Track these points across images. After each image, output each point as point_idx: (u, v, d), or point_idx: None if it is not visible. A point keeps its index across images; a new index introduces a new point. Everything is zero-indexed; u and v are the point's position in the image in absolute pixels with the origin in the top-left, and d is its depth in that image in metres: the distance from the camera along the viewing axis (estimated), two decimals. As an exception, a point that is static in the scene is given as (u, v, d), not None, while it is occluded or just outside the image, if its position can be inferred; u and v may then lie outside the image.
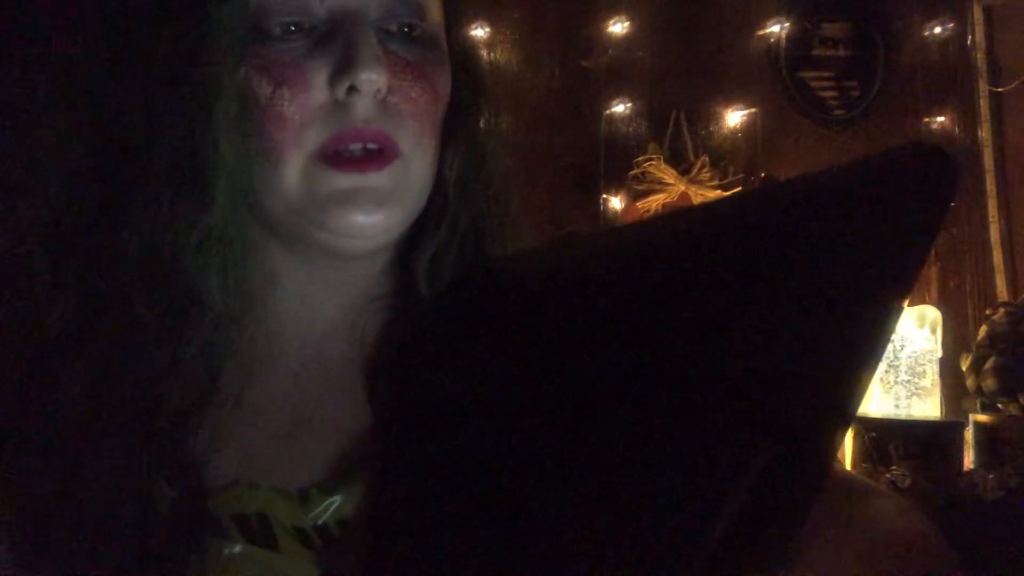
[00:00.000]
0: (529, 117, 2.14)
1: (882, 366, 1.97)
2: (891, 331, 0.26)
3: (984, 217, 2.25)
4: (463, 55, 0.62)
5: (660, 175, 2.18)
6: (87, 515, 0.49)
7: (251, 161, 0.53)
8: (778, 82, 2.31)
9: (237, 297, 0.54)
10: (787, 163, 2.29)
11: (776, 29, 2.29)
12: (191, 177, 0.52)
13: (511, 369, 0.15)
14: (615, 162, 2.24)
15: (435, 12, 0.58)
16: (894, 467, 1.84)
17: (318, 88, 0.53)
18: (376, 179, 0.54)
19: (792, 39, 2.30)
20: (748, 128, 2.29)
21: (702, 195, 2.17)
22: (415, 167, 0.56)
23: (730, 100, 2.28)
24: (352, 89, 0.53)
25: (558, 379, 0.15)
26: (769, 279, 0.21)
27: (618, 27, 2.24)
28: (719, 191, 2.21)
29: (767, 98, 2.30)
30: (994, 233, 2.24)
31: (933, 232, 0.26)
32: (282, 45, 0.53)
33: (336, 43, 0.53)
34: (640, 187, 2.20)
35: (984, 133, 2.28)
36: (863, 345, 0.25)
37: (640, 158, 2.20)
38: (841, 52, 2.33)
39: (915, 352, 1.98)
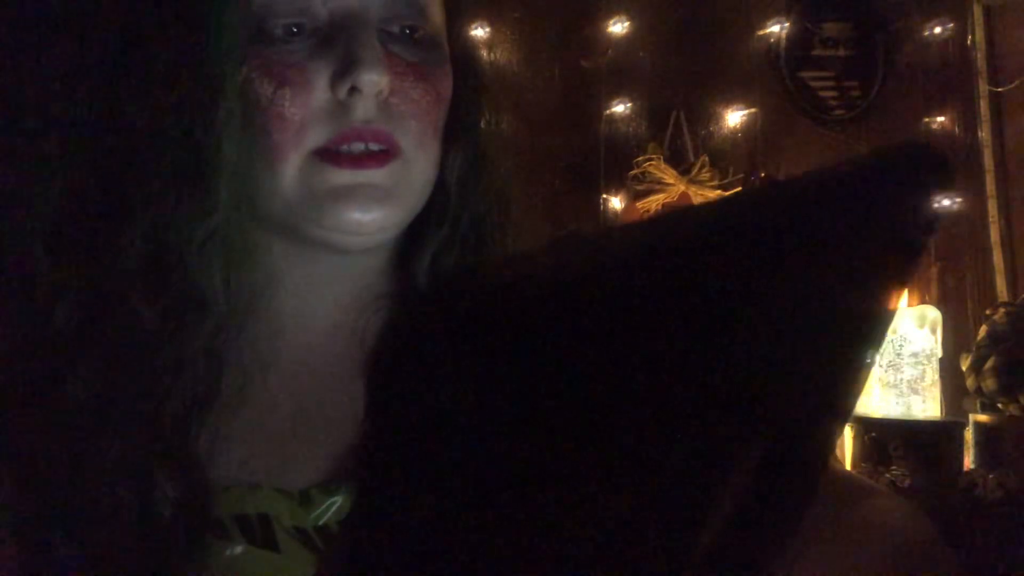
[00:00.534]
0: (529, 117, 2.14)
1: (882, 366, 1.97)
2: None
3: (984, 217, 2.25)
4: (464, 56, 0.62)
5: (660, 175, 2.18)
6: (89, 516, 0.49)
7: (253, 161, 0.53)
8: (778, 82, 2.31)
9: (239, 298, 0.55)
10: (787, 163, 2.29)
11: (776, 29, 2.29)
12: (193, 178, 0.52)
13: (495, 372, 0.15)
14: (615, 162, 2.24)
15: (437, 13, 0.58)
16: (894, 467, 1.84)
17: (320, 89, 0.53)
18: (375, 176, 0.54)
19: (792, 39, 2.30)
20: (748, 128, 2.29)
21: (702, 195, 2.17)
22: (416, 167, 0.56)
23: (730, 100, 2.28)
24: (354, 90, 0.53)
25: (546, 379, 0.15)
26: (763, 277, 0.21)
27: (618, 27, 2.24)
28: (719, 191, 2.20)
29: (767, 98, 2.30)
30: (994, 233, 2.24)
31: (927, 229, 0.26)
32: (284, 46, 0.53)
33: (338, 44, 0.53)
34: (640, 187, 2.20)
35: (984, 133, 2.28)
36: (858, 342, 0.25)
37: (640, 158, 2.20)
38: (841, 52, 2.33)
39: (915, 352, 1.98)
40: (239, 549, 0.51)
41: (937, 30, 2.31)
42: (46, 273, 0.52)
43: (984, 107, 2.28)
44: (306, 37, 0.54)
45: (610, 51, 2.26)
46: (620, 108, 2.25)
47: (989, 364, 1.91)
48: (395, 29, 0.56)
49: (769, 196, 0.26)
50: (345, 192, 0.54)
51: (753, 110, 2.28)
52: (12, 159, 0.54)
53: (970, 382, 1.97)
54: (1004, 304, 2.05)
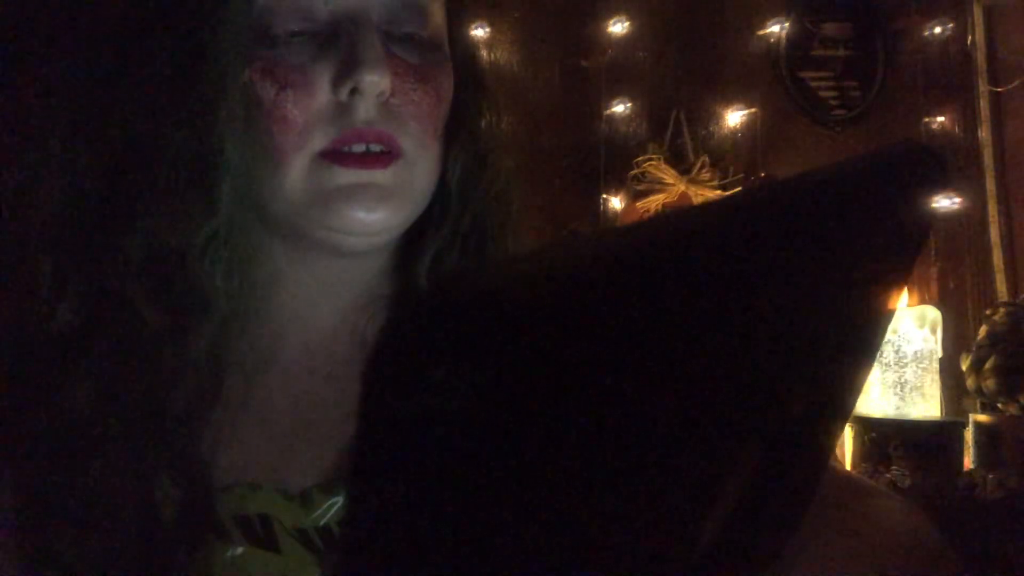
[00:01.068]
0: (529, 117, 2.14)
1: (882, 366, 1.97)
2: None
3: (984, 217, 2.25)
4: (465, 57, 0.62)
5: (660, 175, 2.18)
6: (92, 517, 0.49)
7: (255, 163, 0.53)
8: (778, 82, 2.31)
9: (241, 299, 0.55)
10: (787, 163, 2.29)
11: (776, 29, 2.29)
12: (196, 180, 0.52)
13: (494, 372, 0.15)
14: (615, 162, 2.24)
15: (437, 15, 0.59)
16: (894, 467, 1.84)
17: (322, 90, 0.53)
18: (379, 176, 0.54)
19: (792, 39, 2.30)
20: (748, 128, 2.29)
21: (702, 195, 2.17)
22: (418, 168, 0.56)
23: (730, 100, 2.28)
24: (355, 91, 0.53)
25: (546, 380, 0.15)
26: (763, 277, 0.21)
27: (618, 27, 2.24)
28: (719, 191, 2.20)
29: (767, 98, 2.30)
30: (994, 233, 2.24)
31: (925, 228, 0.26)
32: (286, 48, 0.53)
33: (339, 46, 0.53)
34: (640, 187, 2.20)
35: (984, 133, 2.28)
36: (857, 341, 0.25)
37: (640, 158, 2.20)
38: (841, 52, 2.33)
39: (915, 352, 1.98)
40: (240, 550, 0.51)
41: (937, 30, 2.31)
42: (49, 274, 0.52)
43: (984, 107, 2.28)
44: (308, 39, 0.54)
45: (610, 51, 2.26)
46: (620, 108, 2.25)
47: (989, 364, 1.91)
48: (396, 31, 0.56)
49: (769, 196, 0.26)
50: (349, 192, 0.54)
51: (753, 110, 2.28)
52: (15, 160, 0.54)
53: (970, 382, 1.97)
54: (1004, 304, 2.05)
